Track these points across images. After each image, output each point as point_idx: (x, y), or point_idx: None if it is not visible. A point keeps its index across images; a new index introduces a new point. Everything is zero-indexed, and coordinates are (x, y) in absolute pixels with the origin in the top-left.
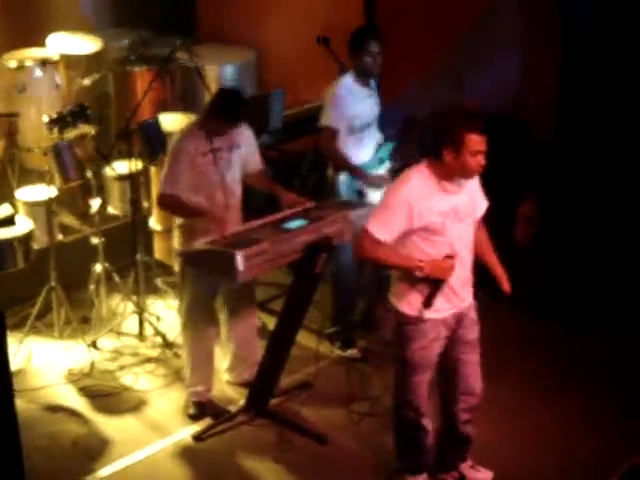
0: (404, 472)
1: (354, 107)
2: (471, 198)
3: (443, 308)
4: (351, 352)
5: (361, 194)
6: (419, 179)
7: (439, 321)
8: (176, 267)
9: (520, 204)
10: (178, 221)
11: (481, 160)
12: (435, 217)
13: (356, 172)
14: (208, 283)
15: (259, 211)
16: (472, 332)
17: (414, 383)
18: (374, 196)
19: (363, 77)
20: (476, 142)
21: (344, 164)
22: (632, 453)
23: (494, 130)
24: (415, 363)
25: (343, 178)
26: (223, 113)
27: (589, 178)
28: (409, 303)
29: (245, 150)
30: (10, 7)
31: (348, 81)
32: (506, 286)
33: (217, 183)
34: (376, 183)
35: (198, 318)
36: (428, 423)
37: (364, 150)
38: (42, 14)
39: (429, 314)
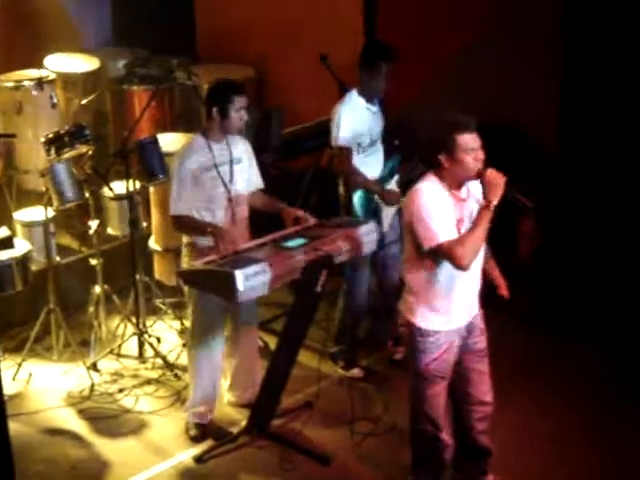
0: None
1: (361, 125)
2: (478, 205)
3: (458, 319)
4: (353, 372)
5: (376, 210)
6: (431, 189)
7: (452, 331)
8: (185, 287)
9: (520, 219)
10: (185, 240)
11: (479, 155)
12: (452, 226)
13: (373, 188)
14: (216, 302)
15: (261, 230)
16: (481, 341)
17: (430, 395)
18: (389, 211)
19: (368, 96)
20: (468, 140)
21: (361, 182)
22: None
23: (495, 144)
24: (430, 374)
25: (358, 195)
26: (224, 95)
27: (592, 191)
28: (422, 316)
29: (247, 165)
30: (8, 29)
31: (353, 99)
32: (504, 291)
33: (222, 198)
34: (391, 200)
35: (206, 337)
36: (447, 437)
37: (373, 166)
38: (40, 35)
39: (443, 326)
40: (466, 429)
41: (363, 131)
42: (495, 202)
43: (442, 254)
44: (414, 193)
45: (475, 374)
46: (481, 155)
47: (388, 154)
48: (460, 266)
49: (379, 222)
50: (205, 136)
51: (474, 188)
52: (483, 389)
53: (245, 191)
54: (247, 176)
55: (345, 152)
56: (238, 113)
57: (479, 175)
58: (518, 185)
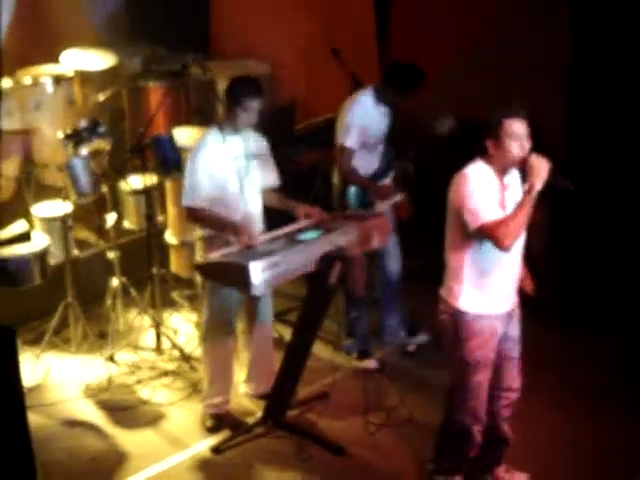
0: (440, 472)
1: (370, 126)
2: (519, 191)
3: (502, 303)
4: (367, 363)
5: (370, 205)
6: (478, 172)
7: (496, 317)
8: (198, 279)
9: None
10: (199, 233)
11: (525, 144)
12: (500, 210)
13: (369, 186)
14: (229, 295)
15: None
16: (517, 328)
17: (474, 383)
18: (382, 206)
19: (383, 100)
20: (515, 127)
21: (359, 181)
22: None
23: None
24: (475, 361)
25: (353, 190)
26: (243, 94)
27: (601, 185)
28: (466, 299)
29: (261, 161)
30: (25, 24)
31: (367, 100)
32: (529, 289)
33: (236, 192)
34: (384, 195)
35: (218, 330)
36: (479, 434)
37: (372, 162)
38: (56, 30)
39: (488, 309)
40: (491, 415)
41: (371, 132)
42: (538, 186)
43: (485, 234)
44: (462, 177)
45: (508, 360)
46: (527, 145)
47: (386, 151)
48: (501, 247)
49: None
50: (220, 129)
51: (516, 177)
52: (513, 375)
53: (259, 187)
54: (262, 173)
55: (347, 152)
56: (247, 113)
57: (523, 162)
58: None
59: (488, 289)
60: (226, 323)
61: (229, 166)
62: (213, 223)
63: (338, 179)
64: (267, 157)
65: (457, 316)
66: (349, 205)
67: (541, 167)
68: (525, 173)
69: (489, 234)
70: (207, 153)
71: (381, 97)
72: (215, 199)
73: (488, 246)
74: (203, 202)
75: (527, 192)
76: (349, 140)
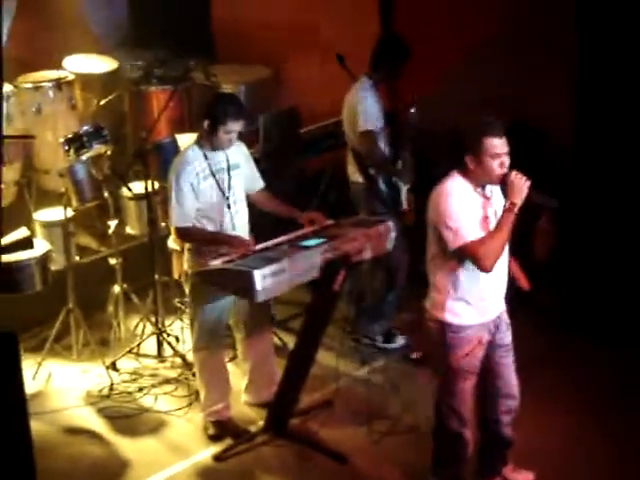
0: None
1: (379, 110)
2: (502, 202)
3: (488, 312)
4: (399, 342)
5: (397, 189)
6: (457, 187)
7: (482, 326)
8: (186, 289)
9: (538, 217)
10: (188, 244)
11: (504, 162)
12: (478, 224)
13: (391, 168)
14: (218, 304)
15: (265, 233)
16: (507, 335)
17: (460, 390)
18: (404, 189)
19: (377, 84)
20: (495, 145)
21: (386, 164)
22: None
23: (512, 141)
24: (461, 370)
25: (382, 178)
26: (222, 110)
27: (609, 189)
28: (451, 311)
29: (244, 168)
30: (27, 30)
31: (367, 86)
32: (525, 283)
33: (222, 206)
34: (407, 177)
35: (209, 339)
36: (469, 435)
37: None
38: (58, 37)
39: (474, 320)
40: (491, 421)
41: (380, 115)
42: (518, 205)
43: (466, 254)
44: (440, 193)
45: (503, 368)
46: (506, 162)
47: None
48: (483, 267)
49: (400, 200)
50: (200, 145)
51: (496, 189)
52: (511, 382)
53: (244, 196)
54: (245, 179)
55: (373, 136)
56: (227, 135)
57: (502, 181)
58: (541, 188)
59: (473, 300)
60: (217, 331)
61: (212, 182)
62: (206, 239)
63: (359, 175)
64: (249, 161)
65: (443, 326)
66: (381, 193)
67: (521, 185)
68: (506, 187)
69: (470, 255)
70: (189, 172)
71: (374, 82)
72: (202, 215)
73: (470, 263)
74: (191, 221)
75: (507, 210)
76: (371, 124)
